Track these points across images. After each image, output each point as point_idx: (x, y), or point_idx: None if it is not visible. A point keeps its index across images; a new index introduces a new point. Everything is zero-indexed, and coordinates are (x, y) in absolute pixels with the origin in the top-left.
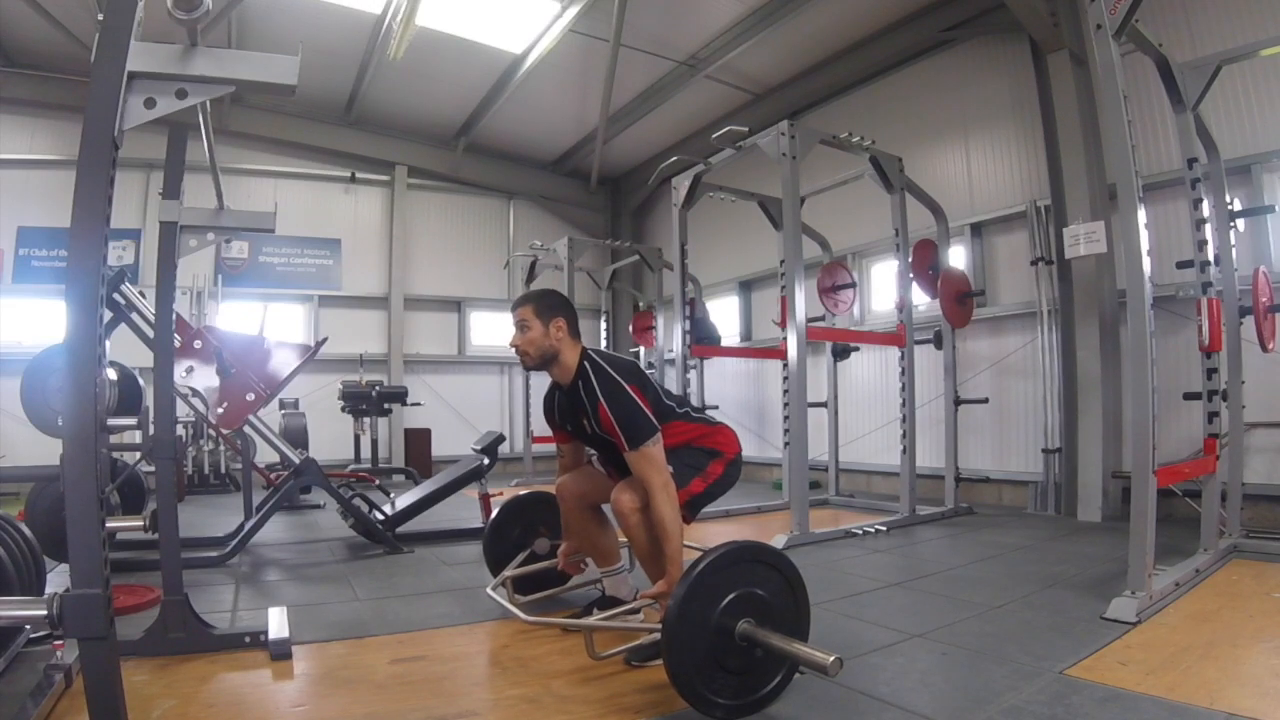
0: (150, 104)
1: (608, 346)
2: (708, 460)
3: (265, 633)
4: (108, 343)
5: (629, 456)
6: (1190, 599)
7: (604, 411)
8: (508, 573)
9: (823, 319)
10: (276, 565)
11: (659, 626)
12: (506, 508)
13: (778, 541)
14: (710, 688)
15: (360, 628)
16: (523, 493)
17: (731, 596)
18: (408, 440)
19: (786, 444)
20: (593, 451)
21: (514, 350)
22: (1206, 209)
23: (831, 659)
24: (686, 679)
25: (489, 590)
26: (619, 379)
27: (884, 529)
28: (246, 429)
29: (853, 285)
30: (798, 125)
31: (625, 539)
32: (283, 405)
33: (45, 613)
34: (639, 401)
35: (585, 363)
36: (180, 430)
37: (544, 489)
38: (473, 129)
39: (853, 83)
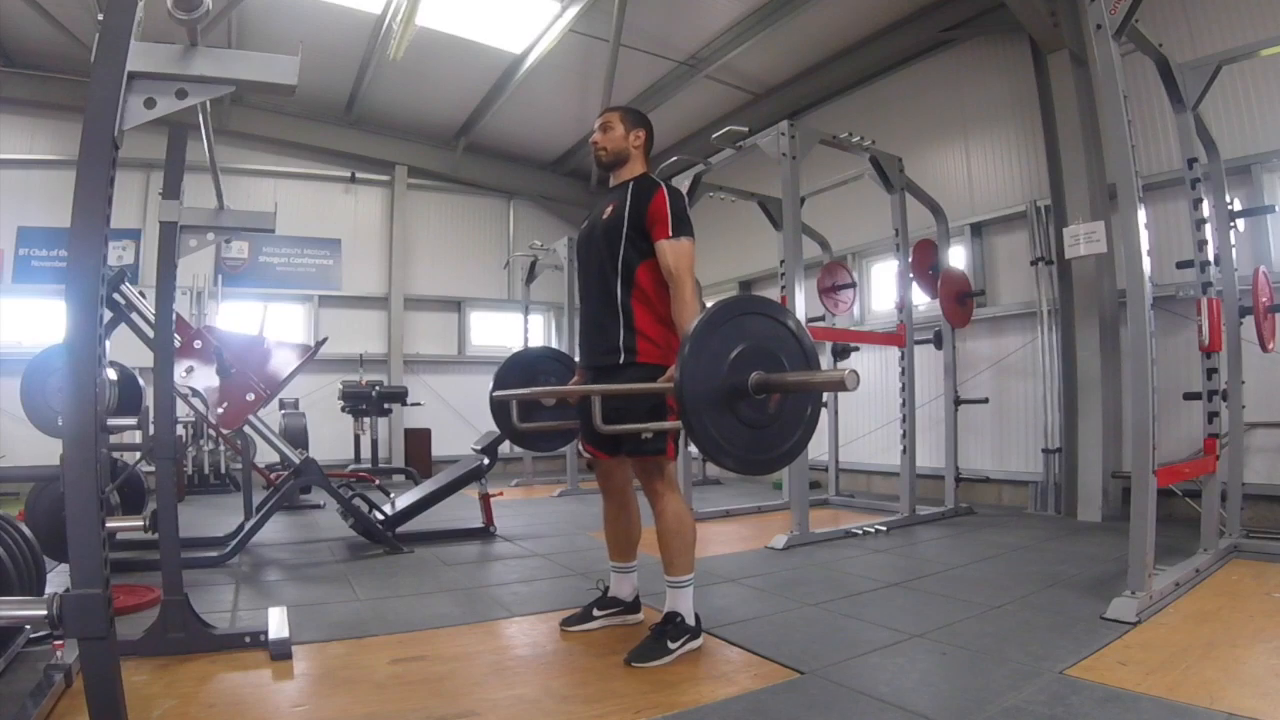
0: (150, 104)
1: None
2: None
3: (265, 633)
4: (108, 343)
5: (666, 244)
6: (1190, 599)
7: (660, 195)
8: (520, 390)
9: (823, 319)
10: (276, 565)
11: (669, 387)
12: (510, 362)
13: (777, 542)
14: (725, 436)
15: (360, 628)
16: (521, 349)
17: (739, 349)
18: (408, 440)
19: None
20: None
21: (592, 147)
22: (1206, 209)
23: (847, 371)
24: (702, 428)
25: (494, 392)
26: (681, 192)
27: (884, 529)
28: (246, 429)
29: (853, 285)
30: (798, 125)
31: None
32: (283, 405)
33: (45, 613)
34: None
35: (649, 174)
36: (180, 430)
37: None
38: (473, 129)
39: (853, 83)
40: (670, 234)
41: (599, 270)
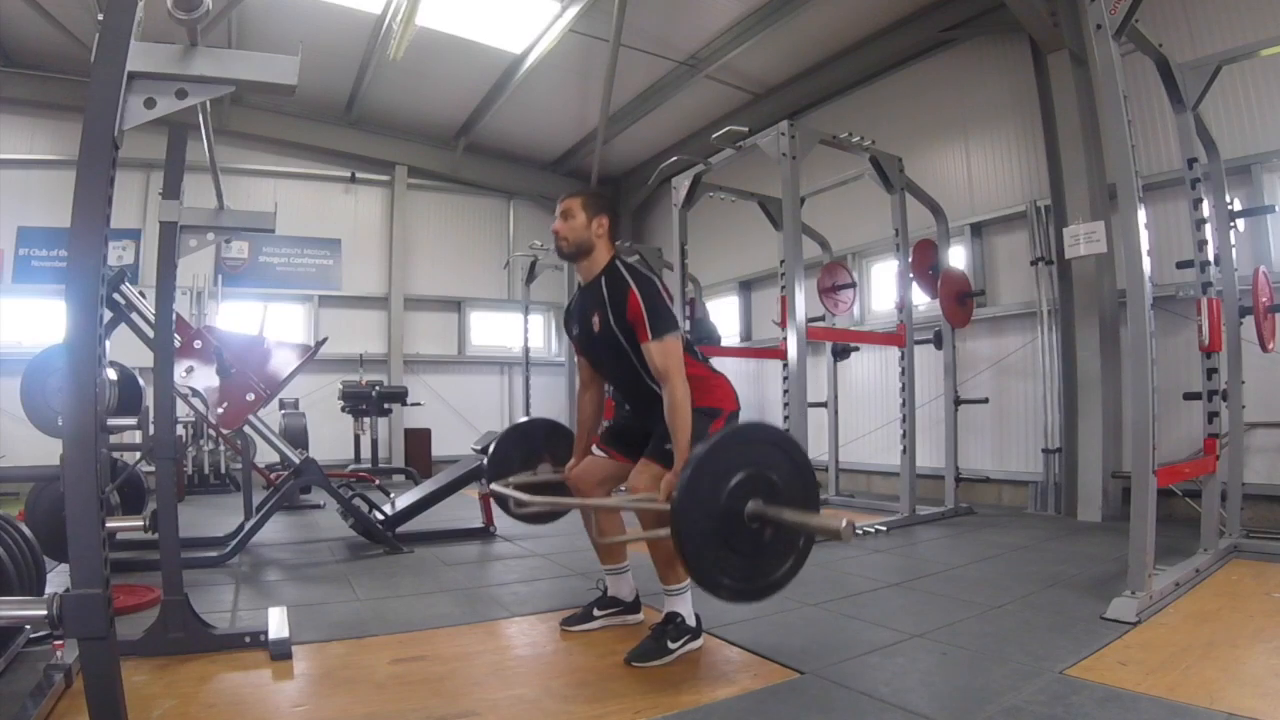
0: (150, 104)
1: None
2: (708, 422)
3: (265, 633)
4: (108, 343)
5: (649, 346)
6: (1190, 599)
7: (633, 298)
8: (513, 480)
9: (823, 319)
10: (276, 565)
11: (666, 506)
12: (508, 434)
13: None
14: (719, 567)
15: (360, 628)
16: (523, 420)
17: (739, 477)
18: (408, 440)
19: None
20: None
21: (554, 235)
22: (1206, 209)
23: (844, 523)
24: (696, 557)
25: (494, 485)
26: (651, 277)
27: (884, 529)
28: (246, 429)
29: (853, 285)
30: (798, 125)
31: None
32: (283, 405)
33: (45, 613)
34: (666, 299)
35: (616, 261)
36: (180, 430)
37: (548, 418)
38: (473, 129)
39: (853, 83)
40: (650, 335)
41: (623, 374)
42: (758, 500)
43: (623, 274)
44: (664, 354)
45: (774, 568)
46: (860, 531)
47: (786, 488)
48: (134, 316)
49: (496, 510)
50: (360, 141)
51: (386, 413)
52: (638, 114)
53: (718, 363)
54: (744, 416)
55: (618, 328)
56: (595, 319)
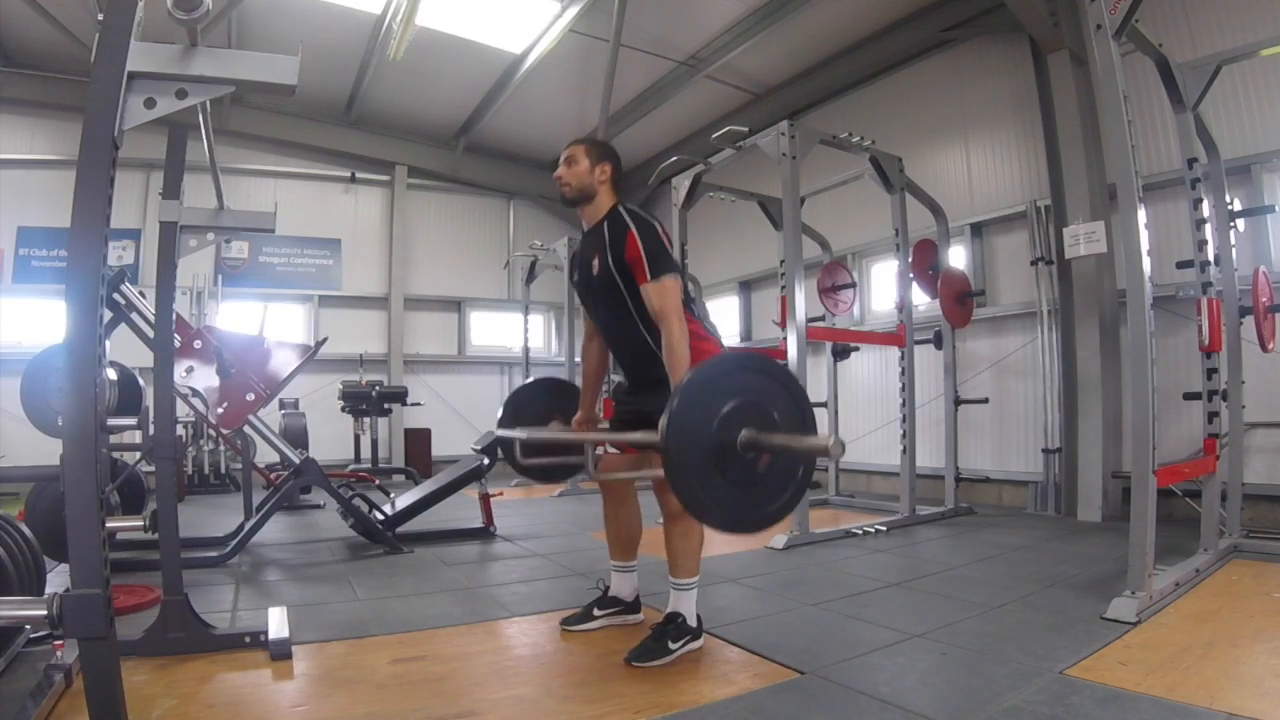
0: (150, 104)
1: None
2: None
3: (265, 633)
4: (108, 343)
5: (648, 287)
6: (1190, 599)
7: (632, 239)
8: (519, 432)
9: (823, 319)
10: (276, 565)
11: (657, 439)
12: (516, 394)
13: (778, 542)
14: (711, 494)
15: (360, 628)
16: (530, 380)
17: (730, 405)
18: (408, 440)
19: None
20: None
21: (557, 181)
22: (1206, 209)
23: (831, 439)
24: (687, 485)
25: (497, 430)
26: (651, 221)
27: (884, 529)
28: (246, 429)
29: (853, 285)
30: (798, 125)
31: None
32: (283, 405)
33: (45, 613)
34: (666, 243)
35: (619, 208)
36: (180, 430)
37: (555, 377)
38: (473, 129)
39: (853, 83)
40: (649, 276)
41: (618, 323)
42: (750, 429)
43: (623, 217)
44: (661, 294)
45: (772, 499)
46: (845, 448)
47: (782, 413)
48: (134, 316)
49: (497, 510)
50: (360, 141)
51: (386, 413)
52: (638, 114)
53: None
54: None
55: (616, 270)
56: (595, 261)
